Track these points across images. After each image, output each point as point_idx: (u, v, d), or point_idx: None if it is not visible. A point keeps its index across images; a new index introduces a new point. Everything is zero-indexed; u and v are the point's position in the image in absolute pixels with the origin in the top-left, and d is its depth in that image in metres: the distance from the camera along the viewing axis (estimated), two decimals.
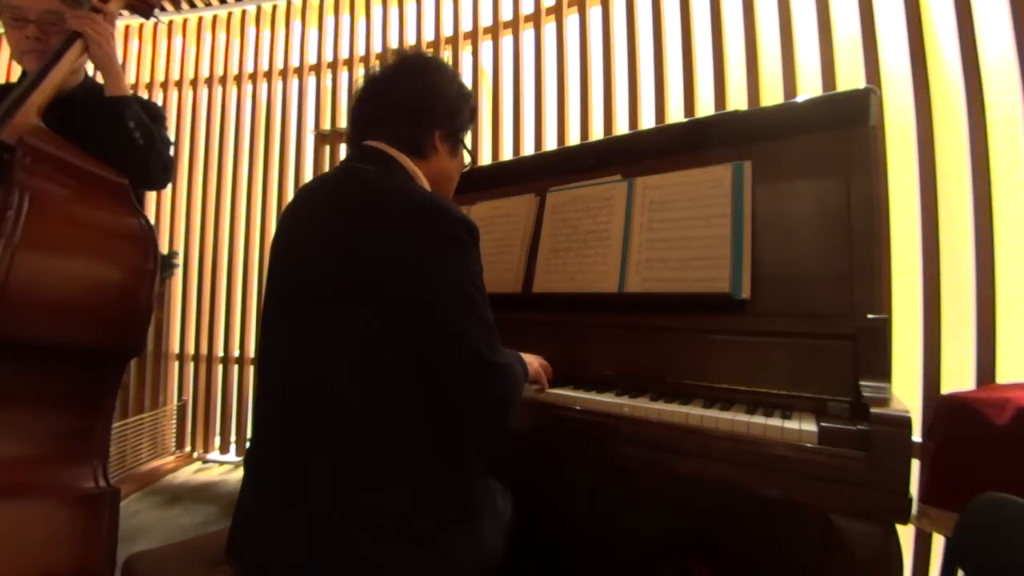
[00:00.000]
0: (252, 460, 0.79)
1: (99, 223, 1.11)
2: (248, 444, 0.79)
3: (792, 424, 0.80)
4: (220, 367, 2.79)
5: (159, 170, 1.26)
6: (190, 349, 2.84)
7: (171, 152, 1.31)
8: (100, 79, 1.27)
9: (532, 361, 1.01)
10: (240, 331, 2.78)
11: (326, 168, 2.61)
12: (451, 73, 0.92)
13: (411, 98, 0.87)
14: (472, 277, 0.75)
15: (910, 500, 0.70)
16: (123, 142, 1.17)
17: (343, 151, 0.97)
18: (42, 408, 1.03)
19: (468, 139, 1.01)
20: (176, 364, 2.82)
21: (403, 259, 0.71)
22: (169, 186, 2.88)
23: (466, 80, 2.37)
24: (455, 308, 0.71)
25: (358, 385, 0.70)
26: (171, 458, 2.61)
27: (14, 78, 1.32)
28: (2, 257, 0.91)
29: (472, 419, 0.76)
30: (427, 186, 0.87)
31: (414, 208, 0.74)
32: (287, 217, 0.86)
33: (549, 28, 2.23)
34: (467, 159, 1.00)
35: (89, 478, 1.06)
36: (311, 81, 2.75)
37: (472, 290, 0.74)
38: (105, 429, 1.12)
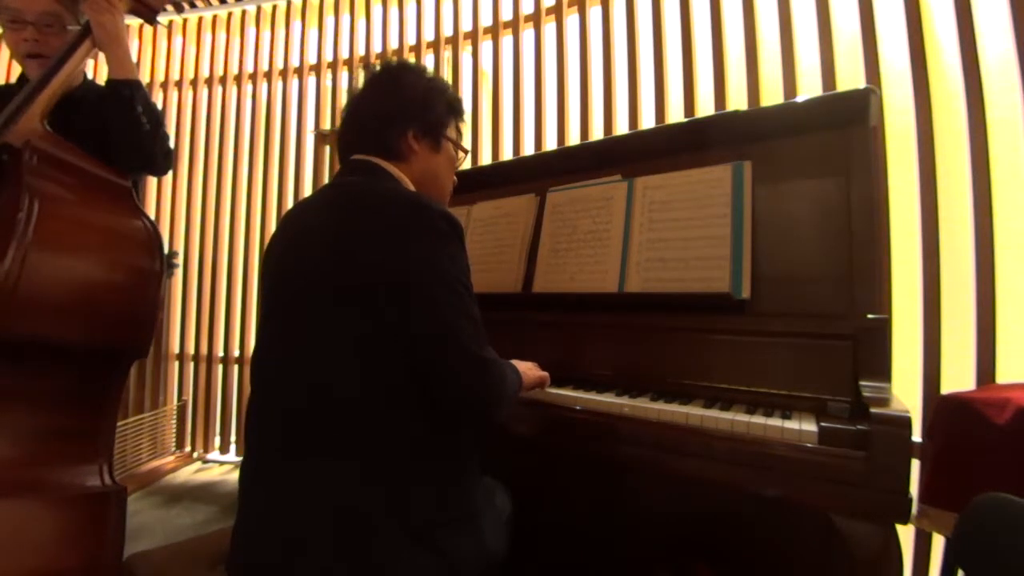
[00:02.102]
0: (251, 467, 0.78)
1: (106, 225, 1.12)
2: (244, 455, 0.79)
3: (792, 424, 0.80)
4: (220, 367, 2.79)
5: (162, 157, 1.26)
6: (190, 349, 2.84)
7: (170, 144, 1.32)
8: (100, 79, 1.27)
9: (527, 371, 1.00)
10: (240, 331, 2.78)
11: (326, 168, 2.62)
12: (418, 71, 0.92)
13: (377, 104, 0.89)
14: (455, 271, 0.75)
15: (910, 500, 0.70)
16: (130, 125, 1.17)
17: None
18: (50, 407, 1.04)
19: (468, 136, 1.00)
20: (176, 364, 2.82)
21: (390, 256, 0.72)
22: (169, 186, 2.90)
23: (466, 81, 2.38)
24: (439, 302, 0.72)
25: (357, 387, 0.70)
26: (171, 458, 2.61)
27: (13, 78, 1.31)
28: (14, 258, 0.92)
29: (462, 415, 0.76)
30: (412, 188, 0.87)
31: (396, 206, 0.75)
32: (280, 232, 0.87)
33: (549, 28, 2.23)
34: (459, 154, 0.99)
35: (96, 476, 1.07)
36: (311, 81, 2.75)
37: (457, 284, 0.74)
38: (111, 428, 1.13)
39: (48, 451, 1.03)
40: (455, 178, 1.01)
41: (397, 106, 0.88)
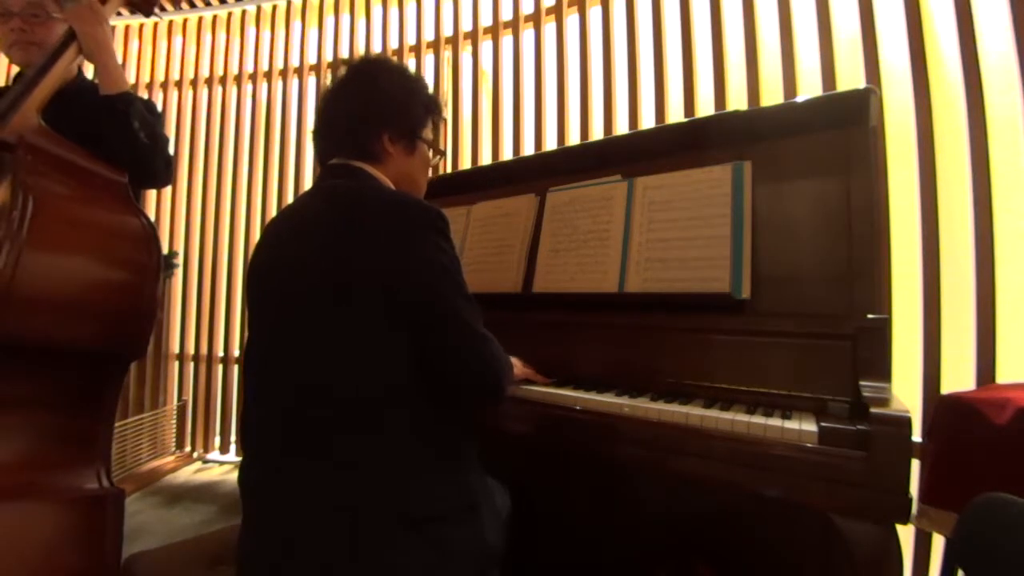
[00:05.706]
0: (251, 466, 0.78)
1: (102, 222, 1.10)
2: (243, 458, 0.79)
3: (792, 424, 0.80)
4: (220, 367, 2.79)
5: (163, 168, 1.25)
6: (190, 349, 2.84)
7: (171, 150, 1.31)
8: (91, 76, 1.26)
9: (516, 363, 1.02)
10: (240, 331, 2.78)
11: None
12: (396, 71, 0.91)
13: (352, 107, 0.89)
14: (448, 260, 0.78)
15: (910, 500, 0.70)
16: (128, 141, 1.16)
17: None
18: (47, 410, 1.03)
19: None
20: (176, 364, 2.82)
21: (391, 254, 0.73)
22: (169, 186, 2.89)
23: (466, 81, 2.38)
24: (442, 289, 0.75)
25: (357, 384, 0.70)
26: (171, 458, 2.61)
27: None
28: (7, 258, 0.90)
29: (470, 392, 0.79)
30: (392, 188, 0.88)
31: (388, 206, 0.77)
32: (267, 237, 0.87)
33: (549, 28, 2.23)
34: (433, 156, 0.98)
35: (93, 479, 1.06)
36: (311, 81, 2.75)
37: (454, 272, 0.77)
38: (108, 430, 1.12)
39: (45, 454, 1.02)
40: (429, 176, 1.01)
41: (374, 108, 0.88)
